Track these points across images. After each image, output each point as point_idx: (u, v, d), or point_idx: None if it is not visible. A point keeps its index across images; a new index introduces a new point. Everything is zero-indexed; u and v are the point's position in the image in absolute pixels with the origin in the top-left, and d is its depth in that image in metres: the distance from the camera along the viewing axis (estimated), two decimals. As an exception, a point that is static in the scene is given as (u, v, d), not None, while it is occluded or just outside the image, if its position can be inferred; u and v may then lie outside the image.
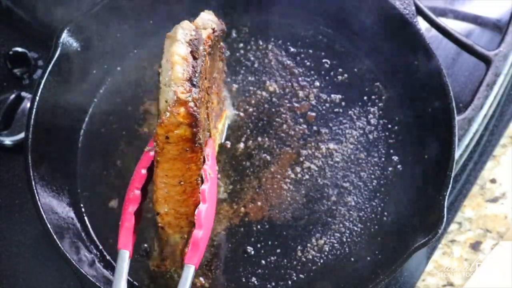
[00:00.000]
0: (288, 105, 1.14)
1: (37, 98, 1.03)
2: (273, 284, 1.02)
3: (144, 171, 0.93)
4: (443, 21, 1.17)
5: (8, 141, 1.12)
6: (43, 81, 1.04)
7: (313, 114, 1.13)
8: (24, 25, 1.23)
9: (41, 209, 0.97)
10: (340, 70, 1.17)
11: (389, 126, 1.12)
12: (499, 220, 1.11)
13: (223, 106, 1.10)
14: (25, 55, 1.19)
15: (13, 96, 1.14)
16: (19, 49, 1.20)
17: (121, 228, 0.91)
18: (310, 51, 1.18)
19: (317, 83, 1.16)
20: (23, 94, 1.15)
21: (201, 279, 1.02)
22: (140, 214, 0.93)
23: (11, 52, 1.19)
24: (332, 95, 1.15)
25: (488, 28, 1.26)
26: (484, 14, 1.27)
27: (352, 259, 1.03)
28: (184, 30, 0.89)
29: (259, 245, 1.04)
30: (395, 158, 1.09)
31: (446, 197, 0.96)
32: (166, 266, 0.97)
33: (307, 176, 1.08)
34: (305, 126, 1.12)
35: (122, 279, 0.88)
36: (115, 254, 1.00)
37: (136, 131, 1.12)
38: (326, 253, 1.03)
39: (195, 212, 0.91)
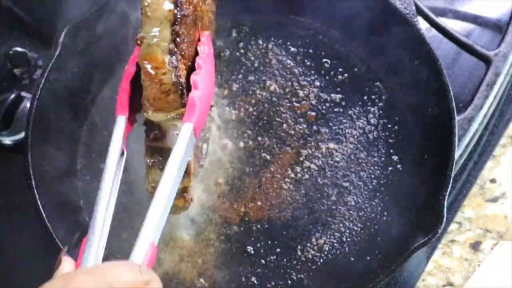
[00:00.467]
0: (288, 104, 1.14)
1: (37, 98, 1.03)
2: (273, 283, 1.02)
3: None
4: (443, 21, 1.17)
5: (8, 140, 1.12)
6: (43, 81, 1.04)
7: (313, 113, 1.13)
8: (24, 25, 1.23)
9: (41, 209, 0.97)
10: (340, 69, 1.17)
11: (389, 126, 1.12)
12: (499, 220, 1.11)
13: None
14: (25, 55, 1.19)
15: (13, 96, 1.14)
16: (19, 49, 1.20)
17: (118, 97, 0.92)
18: (310, 50, 1.18)
19: (317, 83, 1.16)
20: (23, 94, 1.15)
21: (201, 280, 1.02)
22: (139, 86, 0.92)
23: (11, 52, 1.19)
24: (332, 95, 1.15)
25: (488, 28, 1.26)
26: (484, 14, 1.27)
27: (352, 258, 1.03)
28: None
29: (259, 245, 1.04)
30: (395, 157, 1.10)
31: (446, 196, 0.96)
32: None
33: (307, 176, 1.09)
34: (305, 126, 1.12)
35: (117, 143, 0.88)
36: (116, 253, 1.01)
37: (139, 128, 1.11)
38: (326, 253, 1.03)
39: (191, 79, 0.91)
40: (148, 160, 0.94)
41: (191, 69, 0.94)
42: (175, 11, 0.89)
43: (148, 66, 0.89)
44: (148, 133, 0.94)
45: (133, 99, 0.93)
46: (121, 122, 0.91)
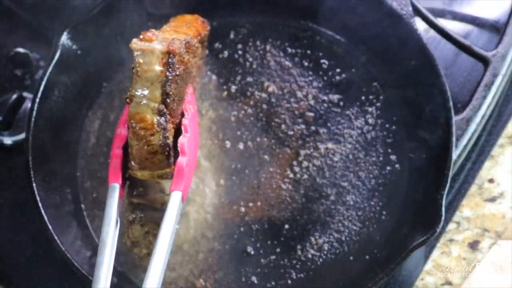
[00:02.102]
0: (286, 105, 1.14)
1: (38, 99, 1.04)
2: (273, 283, 1.02)
3: None
4: (441, 22, 1.17)
5: (9, 141, 1.12)
6: (43, 83, 1.05)
7: (312, 114, 1.14)
8: (26, 26, 1.23)
9: (42, 210, 0.98)
10: (338, 70, 1.17)
11: (387, 125, 1.12)
12: (497, 219, 1.11)
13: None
14: (27, 55, 1.20)
15: (14, 96, 1.15)
16: (21, 49, 1.20)
17: (110, 164, 0.92)
18: (308, 51, 1.18)
19: (315, 83, 1.16)
20: (25, 94, 1.16)
21: (201, 280, 1.02)
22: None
23: (13, 53, 1.20)
24: (330, 95, 1.15)
25: (486, 29, 1.26)
26: (482, 15, 1.27)
27: (351, 258, 1.03)
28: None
29: (258, 245, 1.04)
30: (393, 157, 1.10)
31: (444, 196, 0.96)
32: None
33: (306, 176, 1.09)
34: (303, 126, 1.13)
35: (112, 212, 0.89)
36: (117, 255, 1.02)
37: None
38: (325, 252, 1.04)
39: (178, 143, 0.92)
40: (129, 216, 0.96)
41: (178, 127, 0.94)
42: (167, 73, 0.89)
43: (137, 127, 0.89)
44: (131, 189, 0.95)
45: (125, 163, 0.93)
46: (114, 191, 0.90)
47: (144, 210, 0.96)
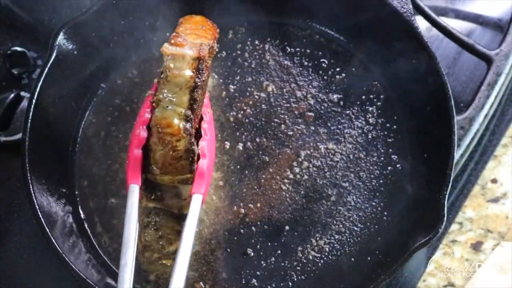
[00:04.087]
0: (286, 105, 1.14)
1: (34, 99, 1.03)
2: (274, 285, 1.02)
3: (148, 114, 0.94)
4: (444, 20, 1.17)
5: (5, 140, 1.12)
6: (39, 83, 1.04)
7: (311, 114, 1.13)
8: (23, 24, 1.23)
9: (38, 210, 0.98)
10: (338, 69, 1.16)
11: (388, 125, 1.12)
12: (500, 220, 1.10)
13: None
14: (24, 54, 1.20)
15: (12, 95, 1.15)
16: (18, 48, 1.21)
17: (129, 164, 0.93)
18: (308, 51, 1.18)
19: (315, 83, 1.15)
20: (22, 93, 1.16)
21: (201, 283, 1.02)
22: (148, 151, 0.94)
23: (10, 52, 1.20)
24: (330, 95, 1.15)
25: (489, 27, 1.26)
26: (485, 13, 1.27)
27: (353, 259, 1.03)
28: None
29: (258, 246, 1.04)
30: (394, 157, 1.09)
31: (446, 196, 0.96)
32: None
33: (306, 177, 1.08)
34: (303, 126, 1.12)
35: (133, 213, 0.90)
36: (112, 254, 1.02)
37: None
38: (326, 254, 1.03)
39: (199, 146, 0.93)
40: (143, 219, 0.96)
41: (197, 131, 0.95)
42: (196, 78, 0.90)
43: (163, 132, 0.90)
44: (148, 194, 0.96)
45: (144, 164, 0.94)
46: (134, 192, 0.92)
47: (159, 215, 0.96)
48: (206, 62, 0.93)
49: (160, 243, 0.96)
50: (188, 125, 0.90)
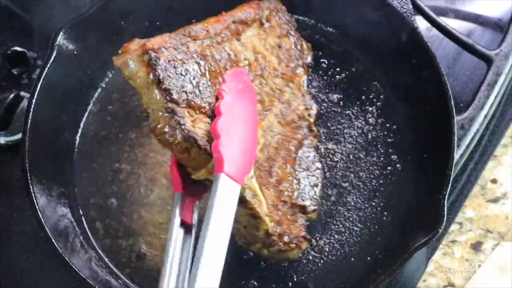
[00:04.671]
0: (286, 105, 1.14)
1: (34, 99, 1.03)
2: (274, 286, 1.01)
3: None
4: (444, 21, 1.17)
5: (5, 141, 1.12)
6: (39, 84, 1.04)
7: (312, 114, 1.13)
8: (23, 24, 1.23)
9: (38, 211, 0.97)
10: (338, 69, 1.16)
11: (388, 125, 1.12)
12: (500, 220, 1.10)
13: None
14: (24, 54, 1.20)
15: (12, 95, 1.15)
16: (18, 48, 1.21)
17: (170, 175, 0.95)
18: (307, 50, 1.18)
19: (315, 83, 1.15)
20: (22, 93, 1.16)
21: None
22: None
23: (10, 52, 1.20)
24: (330, 95, 1.14)
25: (489, 27, 1.26)
26: (485, 14, 1.27)
27: (352, 259, 1.02)
28: None
29: (258, 247, 1.04)
30: (394, 157, 1.09)
31: (446, 196, 0.95)
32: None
33: (306, 177, 1.08)
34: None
35: (175, 219, 0.91)
36: (112, 254, 1.02)
37: (134, 131, 1.12)
38: (326, 254, 1.03)
39: (211, 128, 0.91)
40: None
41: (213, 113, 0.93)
42: (153, 72, 0.88)
43: (157, 137, 0.90)
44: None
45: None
46: (177, 198, 0.93)
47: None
48: (169, 49, 0.91)
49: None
50: (175, 118, 0.88)
